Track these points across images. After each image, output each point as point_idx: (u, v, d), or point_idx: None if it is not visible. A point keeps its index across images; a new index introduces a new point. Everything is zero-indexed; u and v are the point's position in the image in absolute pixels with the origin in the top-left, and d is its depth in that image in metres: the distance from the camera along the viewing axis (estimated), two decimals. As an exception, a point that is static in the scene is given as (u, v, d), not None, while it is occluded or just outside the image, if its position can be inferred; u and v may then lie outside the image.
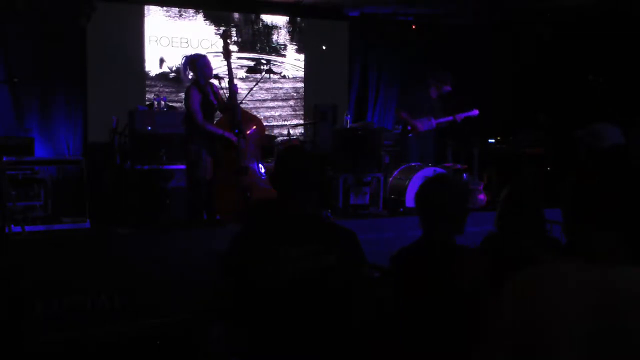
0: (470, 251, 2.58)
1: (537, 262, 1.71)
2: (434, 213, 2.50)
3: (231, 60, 5.92)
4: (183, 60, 5.92)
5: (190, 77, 5.87)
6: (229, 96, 5.80)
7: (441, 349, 2.30)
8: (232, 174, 5.75)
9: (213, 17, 8.69)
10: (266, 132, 7.56)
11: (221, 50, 5.96)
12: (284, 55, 9.22)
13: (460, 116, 7.40)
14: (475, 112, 7.44)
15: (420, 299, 2.42)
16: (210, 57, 6.02)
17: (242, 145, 5.76)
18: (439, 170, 6.89)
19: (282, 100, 9.27)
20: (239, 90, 5.96)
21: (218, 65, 6.88)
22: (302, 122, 9.16)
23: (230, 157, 5.77)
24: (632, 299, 1.48)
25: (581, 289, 1.50)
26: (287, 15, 9.15)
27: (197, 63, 5.75)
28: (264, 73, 8.81)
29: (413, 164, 7.13)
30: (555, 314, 1.49)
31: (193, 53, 6.28)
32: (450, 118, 7.41)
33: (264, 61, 9.03)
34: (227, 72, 5.84)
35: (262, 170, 6.00)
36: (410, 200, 6.78)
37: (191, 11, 8.56)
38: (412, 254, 2.55)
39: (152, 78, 8.34)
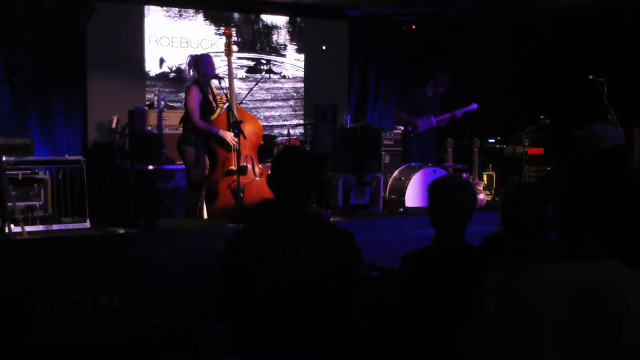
0: (477, 251, 2.58)
1: (520, 259, 1.71)
2: (453, 217, 2.51)
3: (231, 60, 5.93)
4: (188, 59, 5.96)
5: (192, 75, 5.91)
6: (229, 96, 5.80)
7: (450, 350, 2.30)
8: (229, 174, 5.75)
9: (213, 17, 8.69)
10: (266, 132, 7.56)
11: (221, 50, 5.97)
12: (284, 55, 9.22)
13: (459, 112, 7.41)
14: (474, 106, 7.45)
15: (434, 301, 2.42)
16: (210, 57, 6.03)
17: (239, 145, 5.76)
18: (439, 170, 6.90)
19: (282, 100, 9.27)
20: (239, 91, 5.96)
21: (218, 65, 6.88)
22: (302, 122, 9.16)
23: (227, 157, 5.78)
24: (614, 294, 1.48)
25: (563, 285, 1.50)
26: (287, 15, 9.15)
27: (200, 61, 5.80)
28: (264, 73, 8.81)
29: (413, 164, 7.14)
30: (538, 310, 1.50)
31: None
32: (449, 115, 7.42)
33: (264, 61, 9.03)
34: (226, 72, 5.85)
35: (259, 171, 5.99)
36: (410, 200, 6.78)
37: (191, 11, 8.56)
38: (426, 256, 2.55)
39: (152, 78, 8.34)
